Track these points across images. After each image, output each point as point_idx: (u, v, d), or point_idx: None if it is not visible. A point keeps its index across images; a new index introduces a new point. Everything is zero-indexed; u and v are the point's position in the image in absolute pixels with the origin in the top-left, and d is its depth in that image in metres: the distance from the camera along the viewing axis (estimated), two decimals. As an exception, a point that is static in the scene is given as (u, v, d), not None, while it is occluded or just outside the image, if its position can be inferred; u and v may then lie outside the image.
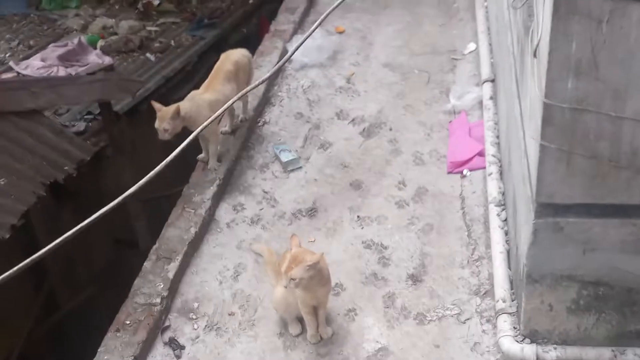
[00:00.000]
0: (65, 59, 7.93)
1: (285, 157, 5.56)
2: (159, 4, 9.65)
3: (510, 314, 3.96)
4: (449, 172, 5.36)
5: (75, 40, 8.26)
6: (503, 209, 4.64)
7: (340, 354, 4.06)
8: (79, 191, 6.75)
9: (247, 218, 5.09)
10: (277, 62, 6.63)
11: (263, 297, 4.43)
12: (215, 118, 3.66)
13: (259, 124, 6.07)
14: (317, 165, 5.56)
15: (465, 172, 5.29)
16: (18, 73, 7.79)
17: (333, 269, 4.13)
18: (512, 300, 4.02)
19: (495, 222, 4.58)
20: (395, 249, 4.72)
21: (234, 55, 5.63)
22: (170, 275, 4.53)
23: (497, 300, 4.07)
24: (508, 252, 4.34)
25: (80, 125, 7.19)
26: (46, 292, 6.86)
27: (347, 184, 5.35)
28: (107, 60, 8.11)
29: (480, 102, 5.89)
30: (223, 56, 5.64)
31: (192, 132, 3.26)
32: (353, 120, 6.05)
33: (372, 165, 5.52)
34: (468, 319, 4.19)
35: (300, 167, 5.53)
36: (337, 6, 3.43)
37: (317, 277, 3.81)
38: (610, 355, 3.71)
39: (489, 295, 4.28)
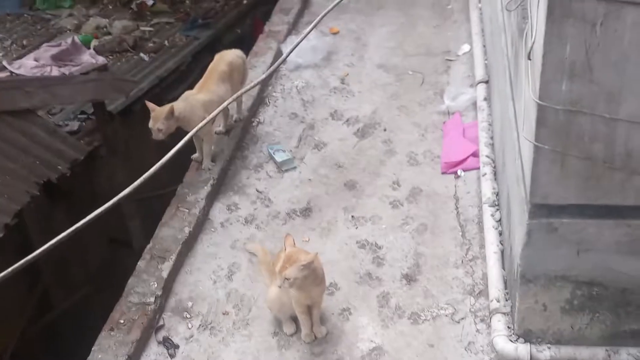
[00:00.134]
0: (58, 59, 7.93)
1: (279, 157, 5.56)
2: (152, 4, 9.64)
3: (504, 313, 3.97)
4: (443, 173, 5.37)
5: (69, 40, 8.26)
6: (497, 210, 4.66)
7: (334, 353, 4.07)
8: (72, 191, 6.75)
9: (241, 218, 5.10)
10: (272, 63, 6.65)
11: (257, 297, 4.43)
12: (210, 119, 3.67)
13: (254, 124, 6.08)
14: (312, 165, 5.57)
15: (459, 172, 5.31)
16: (11, 73, 7.78)
17: (327, 269, 4.14)
18: (506, 300, 4.04)
19: (489, 223, 4.60)
20: (389, 248, 4.74)
21: (228, 56, 5.62)
22: (165, 274, 4.53)
23: (491, 300, 4.09)
24: (502, 252, 4.35)
25: (74, 125, 7.19)
26: (40, 291, 6.84)
27: (342, 184, 5.36)
28: (101, 60, 8.12)
29: (474, 103, 5.91)
30: (217, 57, 5.63)
31: (186, 132, 3.27)
32: (347, 120, 6.06)
33: (367, 165, 5.53)
34: (462, 318, 4.20)
35: (295, 167, 5.54)
36: (332, 8, 3.44)
37: (312, 276, 3.81)
38: (604, 355, 3.73)
39: (483, 295, 4.30)
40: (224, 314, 4.37)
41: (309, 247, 4.46)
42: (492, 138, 5.32)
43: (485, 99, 5.78)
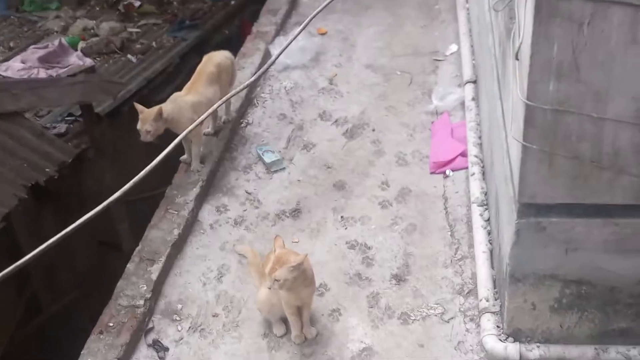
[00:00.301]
0: (45, 61, 7.89)
1: (268, 158, 5.56)
2: (140, 6, 9.60)
3: (493, 313, 3.98)
4: (432, 173, 5.38)
5: (56, 42, 8.21)
6: (486, 209, 4.67)
7: (324, 354, 4.07)
8: (60, 193, 6.72)
9: (231, 219, 5.09)
10: (260, 64, 6.64)
11: (247, 299, 4.43)
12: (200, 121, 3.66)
13: (242, 125, 6.07)
14: (301, 166, 5.57)
15: (447, 172, 5.32)
16: (-2, 75, 7.74)
17: (317, 270, 4.14)
18: (496, 300, 4.05)
19: (478, 222, 4.61)
20: (379, 249, 4.74)
21: (217, 57, 5.61)
22: (154, 277, 4.52)
23: (481, 300, 4.10)
24: (491, 251, 4.36)
25: (62, 127, 7.15)
26: (29, 294, 6.81)
27: (331, 184, 5.36)
28: (88, 61, 8.07)
29: (463, 103, 5.92)
30: (205, 58, 5.62)
31: (174, 133, 3.26)
32: (336, 121, 6.06)
33: (356, 166, 5.53)
34: (452, 318, 4.21)
35: (284, 168, 5.54)
36: (321, 10, 3.44)
37: (301, 278, 3.81)
38: (593, 354, 3.74)
39: (472, 294, 4.31)
40: (213, 316, 4.36)
41: (298, 248, 4.46)
42: (480, 138, 5.33)
43: (473, 99, 5.79)
